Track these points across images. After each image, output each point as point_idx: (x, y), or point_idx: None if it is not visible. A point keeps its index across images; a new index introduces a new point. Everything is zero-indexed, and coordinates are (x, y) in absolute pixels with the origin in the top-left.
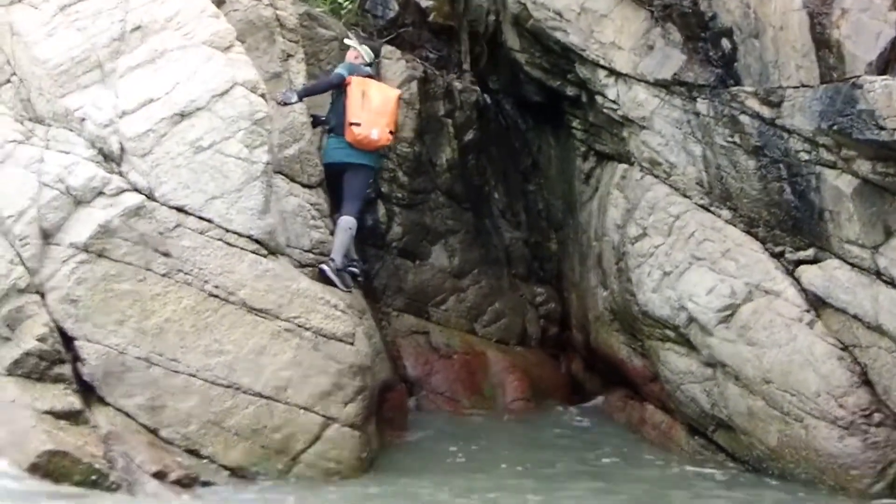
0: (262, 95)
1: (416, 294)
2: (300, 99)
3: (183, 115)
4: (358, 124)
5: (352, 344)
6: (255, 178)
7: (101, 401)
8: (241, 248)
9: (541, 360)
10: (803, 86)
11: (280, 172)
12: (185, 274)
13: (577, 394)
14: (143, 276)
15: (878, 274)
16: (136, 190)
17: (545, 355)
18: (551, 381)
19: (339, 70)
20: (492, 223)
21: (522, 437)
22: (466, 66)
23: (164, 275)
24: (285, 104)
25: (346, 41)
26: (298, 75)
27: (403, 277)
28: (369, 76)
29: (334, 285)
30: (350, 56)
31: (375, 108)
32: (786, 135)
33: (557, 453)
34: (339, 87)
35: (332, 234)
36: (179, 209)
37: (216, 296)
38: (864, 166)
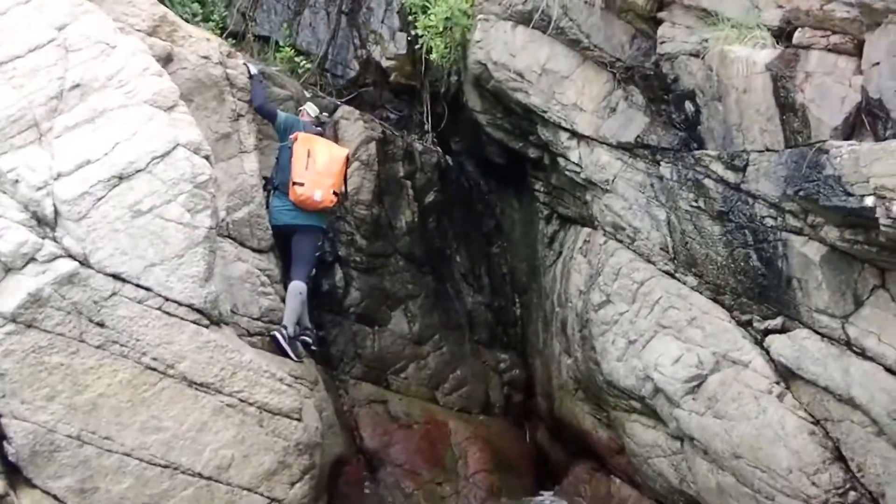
0: (207, 157)
1: (375, 361)
2: (250, 77)
3: (121, 178)
4: (301, 184)
5: (299, 420)
6: (196, 243)
7: (28, 483)
8: (182, 318)
9: (504, 430)
10: (768, 150)
11: (228, 236)
12: (121, 346)
13: (542, 464)
14: (75, 349)
15: (849, 344)
16: (70, 256)
17: (509, 424)
18: (515, 452)
19: (282, 113)
20: (453, 287)
21: None
22: (428, 127)
23: (98, 346)
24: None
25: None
26: (249, 136)
27: (361, 344)
28: (319, 134)
29: (286, 354)
30: (302, 114)
31: (320, 168)
32: (751, 200)
33: None
34: (284, 141)
35: (283, 300)
36: (116, 277)
37: (154, 369)
38: (831, 233)
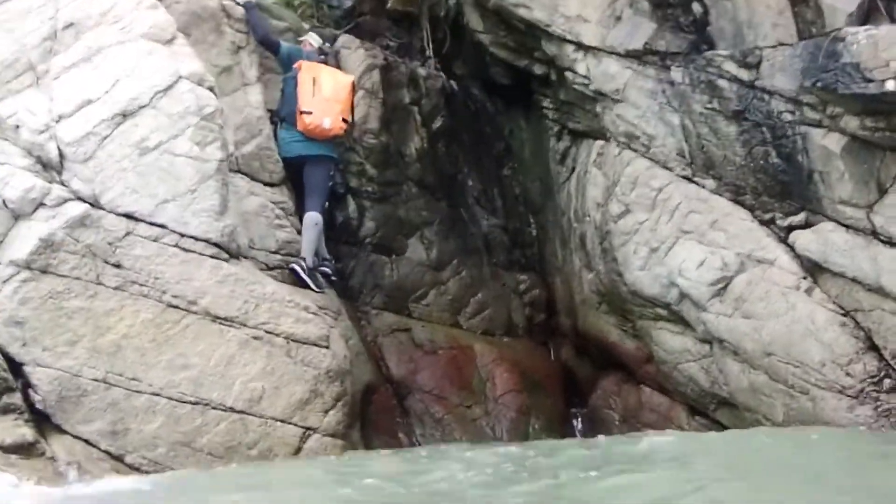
0: (211, 88)
1: (395, 290)
2: (245, 8)
3: (125, 115)
4: (309, 112)
5: (327, 347)
6: (208, 177)
7: (58, 429)
8: (200, 254)
9: (529, 350)
10: (781, 44)
11: (239, 171)
12: (140, 285)
13: (569, 381)
14: (93, 291)
15: (875, 233)
16: (80, 198)
17: (534, 344)
18: (542, 371)
19: (284, 43)
20: (468, 212)
21: None
22: (430, 52)
23: (116, 288)
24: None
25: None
26: (251, 68)
27: (380, 274)
28: (322, 62)
29: (307, 286)
30: (304, 44)
31: (327, 94)
32: (767, 96)
33: None
34: (288, 72)
35: (299, 233)
36: (128, 216)
37: (176, 306)
38: (851, 122)
